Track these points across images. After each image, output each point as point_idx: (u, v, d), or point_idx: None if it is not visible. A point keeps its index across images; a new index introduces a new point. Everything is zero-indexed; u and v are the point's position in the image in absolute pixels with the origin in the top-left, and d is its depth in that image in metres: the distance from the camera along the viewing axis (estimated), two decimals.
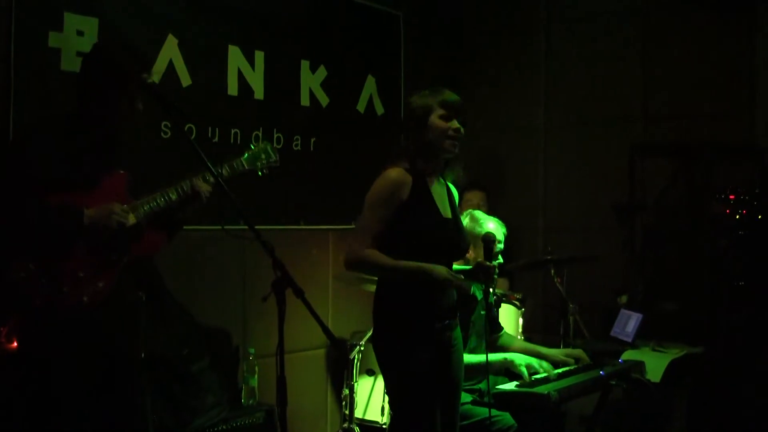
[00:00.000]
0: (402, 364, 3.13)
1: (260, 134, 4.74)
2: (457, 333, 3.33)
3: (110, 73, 3.02)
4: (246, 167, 3.47)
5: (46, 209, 2.88)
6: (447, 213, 3.27)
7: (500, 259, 3.86)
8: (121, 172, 3.14)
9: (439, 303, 3.19)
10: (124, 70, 3.02)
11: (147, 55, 3.20)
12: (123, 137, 3.19)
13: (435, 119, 3.17)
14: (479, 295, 3.98)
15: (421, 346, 3.12)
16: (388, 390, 3.26)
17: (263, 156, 3.53)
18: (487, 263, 3.29)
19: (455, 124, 3.19)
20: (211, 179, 3.17)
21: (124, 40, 3.38)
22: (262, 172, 3.55)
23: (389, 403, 3.33)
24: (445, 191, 3.34)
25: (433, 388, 3.14)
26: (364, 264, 3.13)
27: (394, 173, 3.15)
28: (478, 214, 3.97)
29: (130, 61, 3.05)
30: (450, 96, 3.21)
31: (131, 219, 3.03)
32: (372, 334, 3.27)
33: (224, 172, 3.35)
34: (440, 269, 3.09)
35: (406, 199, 3.13)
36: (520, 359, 3.74)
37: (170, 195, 3.17)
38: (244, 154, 3.50)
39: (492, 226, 3.90)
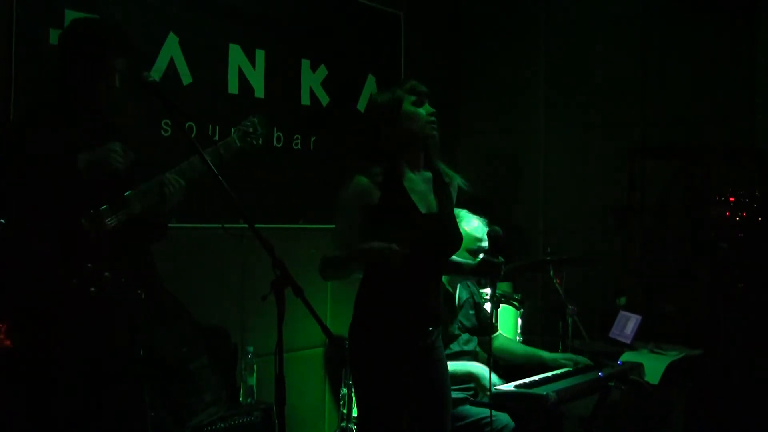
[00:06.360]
0: (369, 365, 3.03)
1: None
2: (440, 344, 3.19)
3: (88, 45, 3.01)
4: (238, 144, 3.41)
5: (37, 163, 2.87)
6: (431, 207, 3.10)
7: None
8: None
9: (420, 308, 3.06)
10: (102, 44, 3.02)
11: (127, 34, 3.16)
12: (118, 126, 3.18)
13: (408, 107, 3.03)
14: (464, 295, 3.97)
15: (393, 352, 3.00)
16: (354, 388, 3.15)
17: (251, 130, 3.50)
18: (494, 259, 3.15)
19: (428, 108, 3.06)
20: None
21: (103, 19, 3.40)
22: (255, 143, 3.50)
23: (356, 401, 3.19)
24: (430, 185, 3.14)
25: (400, 396, 3.00)
26: (323, 267, 3.05)
27: (358, 179, 3.01)
28: (461, 212, 3.85)
29: (108, 35, 3.07)
30: (416, 83, 3.10)
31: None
32: (349, 328, 3.14)
33: (222, 152, 3.30)
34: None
35: (377, 202, 2.98)
36: (485, 372, 3.65)
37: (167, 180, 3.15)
38: (234, 132, 3.48)
39: (476, 224, 3.83)
